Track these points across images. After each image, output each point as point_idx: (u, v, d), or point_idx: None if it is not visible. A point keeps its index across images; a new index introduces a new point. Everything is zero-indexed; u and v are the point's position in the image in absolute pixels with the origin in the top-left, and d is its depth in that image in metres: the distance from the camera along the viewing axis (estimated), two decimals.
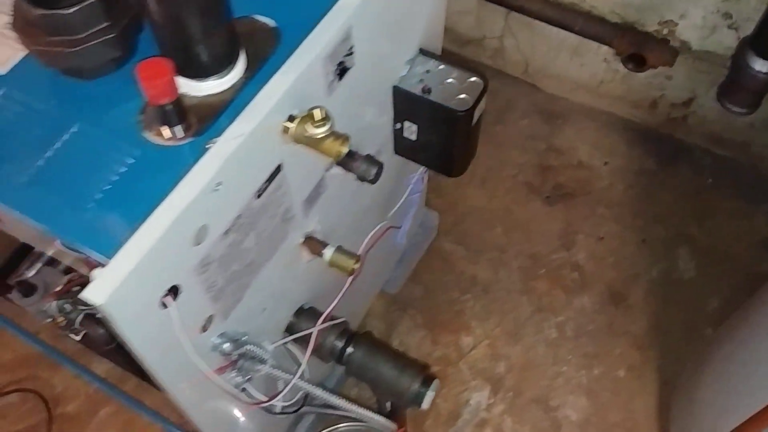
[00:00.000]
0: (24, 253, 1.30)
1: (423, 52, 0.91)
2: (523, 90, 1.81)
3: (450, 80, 0.88)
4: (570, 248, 1.56)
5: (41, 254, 1.27)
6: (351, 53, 0.72)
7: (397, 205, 1.06)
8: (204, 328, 0.69)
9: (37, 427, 1.34)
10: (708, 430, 1.11)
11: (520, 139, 1.72)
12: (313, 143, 0.65)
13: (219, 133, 0.60)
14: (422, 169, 1.07)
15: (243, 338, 0.76)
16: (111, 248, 0.54)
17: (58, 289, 0.91)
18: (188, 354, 0.61)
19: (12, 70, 0.65)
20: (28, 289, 0.95)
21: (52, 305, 0.94)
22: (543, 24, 1.61)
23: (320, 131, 0.63)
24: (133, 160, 0.60)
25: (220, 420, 0.85)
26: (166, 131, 0.60)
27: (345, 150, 0.65)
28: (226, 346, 0.73)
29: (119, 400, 1.31)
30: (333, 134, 0.64)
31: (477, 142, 0.98)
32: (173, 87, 0.56)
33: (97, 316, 0.96)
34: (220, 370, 0.74)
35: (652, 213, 1.60)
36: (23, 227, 0.60)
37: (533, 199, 1.63)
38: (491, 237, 1.57)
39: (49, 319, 0.97)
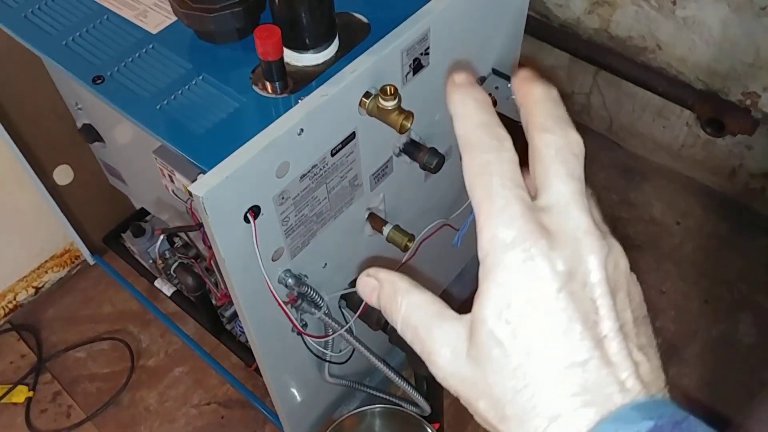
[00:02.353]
0: (138, 217, 1.51)
1: (495, 71, 1.05)
2: (606, 145, 1.90)
3: (515, 97, 1.01)
4: None
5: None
6: (427, 53, 0.87)
7: (459, 210, 1.18)
8: (273, 258, 0.83)
9: (120, 373, 1.52)
10: None
11: (595, 189, 1.78)
12: (382, 114, 0.79)
13: (309, 94, 0.76)
14: None
15: (305, 279, 0.89)
16: (212, 163, 0.70)
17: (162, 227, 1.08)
18: (260, 266, 0.75)
19: (161, 32, 0.85)
20: (138, 230, 1.13)
21: (155, 248, 1.11)
22: (630, 84, 1.71)
23: (389, 104, 0.78)
24: (239, 105, 0.77)
25: (279, 352, 0.98)
26: (269, 85, 0.76)
27: (408, 125, 0.79)
28: (290, 281, 0.87)
29: (198, 355, 1.47)
30: (399, 108, 0.78)
31: None
32: (278, 48, 0.72)
33: (188, 263, 1.13)
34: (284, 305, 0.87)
35: (720, 276, 1.63)
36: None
37: None
38: None
39: (151, 261, 1.15)
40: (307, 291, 0.90)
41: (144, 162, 1.10)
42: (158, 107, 0.76)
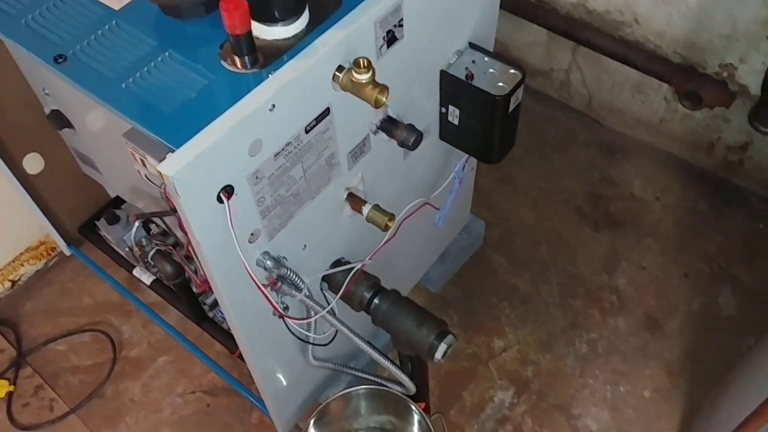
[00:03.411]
0: (113, 206, 1.48)
1: (472, 45, 1.03)
2: (586, 123, 1.90)
3: (492, 70, 1.00)
4: (611, 273, 1.61)
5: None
6: (401, 25, 0.85)
7: (439, 189, 1.17)
8: (250, 240, 0.82)
9: (102, 365, 1.50)
10: None
11: (576, 168, 1.80)
12: (356, 89, 0.77)
13: (280, 68, 0.74)
14: (465, 158, 1.18)
15: (284, 261, 0.88)
16: (181, 142, 0.68)
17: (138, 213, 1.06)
18: (237, 248, 0.74)
19: (124, 8, 0.83)
20: (113, 218, 1.10)
21: (131, 236, 1.09)
22: (608, 60, 1.70)
23: (363, 77, 0.76)
24: (208, 81, 0.75)
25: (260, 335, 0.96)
26: (238, 60, 0.74)
27: (383, 99, 0.78)
28: (269, 263, 0.86)
29: (181, 344, 1.46)
30: (373, 82, 0.77)
31: (515, 133, 1.08)
32: (247, 21, 0.70)
33: (165, 250, 1.11)
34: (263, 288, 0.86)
35: (699, 250, 1.64)
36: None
37: (582, 224, 1.69)
38: (536, 253, 1.65)
39: (128, 249, 1.13)
40: (287, 273, 0.89)
41: (115, 147, 1.07)
42: (124, 86, 0.74)
